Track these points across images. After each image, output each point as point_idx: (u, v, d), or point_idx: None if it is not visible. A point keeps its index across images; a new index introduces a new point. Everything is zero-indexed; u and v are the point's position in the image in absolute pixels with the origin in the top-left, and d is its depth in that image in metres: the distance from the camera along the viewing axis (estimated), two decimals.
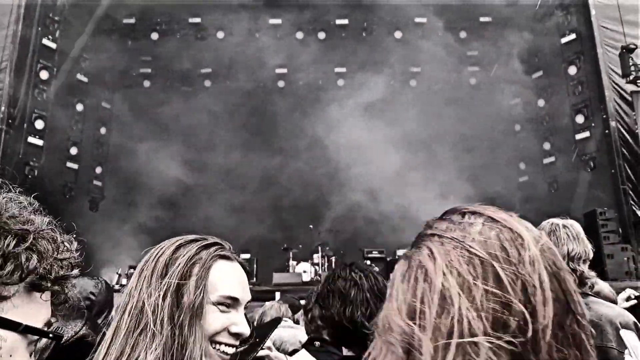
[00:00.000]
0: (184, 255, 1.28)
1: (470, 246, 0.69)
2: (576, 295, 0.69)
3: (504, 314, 0.63)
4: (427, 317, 0.66)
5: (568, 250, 2.32)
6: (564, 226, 2.42)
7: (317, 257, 11.56)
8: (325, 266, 11.40)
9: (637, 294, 2.98)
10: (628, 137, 10.63)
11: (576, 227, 2.45)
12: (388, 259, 11.19)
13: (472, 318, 0.63)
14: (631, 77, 10.46)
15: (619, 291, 6.97)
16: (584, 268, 2.30)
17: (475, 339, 0.62)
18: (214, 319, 1.26)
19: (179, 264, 1.26)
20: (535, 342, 0.62)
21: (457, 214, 0.77)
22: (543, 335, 0.62)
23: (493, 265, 0.66)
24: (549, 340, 0.62)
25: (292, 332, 3.70)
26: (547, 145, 12.94)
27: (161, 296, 1.21)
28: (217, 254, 1.32)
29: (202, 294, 1.24)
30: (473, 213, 0.76)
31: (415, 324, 0.67)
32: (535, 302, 0.63)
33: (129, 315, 1.21)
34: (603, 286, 3.39)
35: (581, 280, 2.31)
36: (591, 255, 2.37)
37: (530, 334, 0.62)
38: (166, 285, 1.23)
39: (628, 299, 3.39)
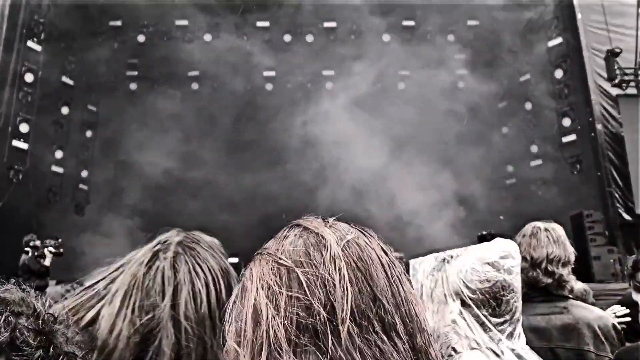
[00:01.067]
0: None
1: (279, 258, 0.72)
2: (391, 284, 0.71)
3: (304, 316, 0.65)
4: (245, 335, 0.68)
5: (547, 253, 2.31)
6: (546, 229, 2.42)
7: None
8: None
9: (621, 312, 2.94)
10: (614, 140, 10.73)
11: (558, 230, 2.44)
12: None
13: (276, 326, 0.65)
14: (617, 81, 10.58)
15: (607, 292, 6.97)
16: (563, 271, 2.29)
17: (278, 346, 0.64)
18: None
19: None
20: (337, 335, 0.64)
21: (282, 230, 0.80)
22: (343, 327, 0.64)
23: (295, 271, 0.69)
24: (350, 331, 0.64)
25: None
26: (534, 148, 13.01)
27: None
28: None
29: None
30: (291, 227, 0.80)
31: (240, 345, 0.69)
32: (334, 298, 0.66)
33: None
34: (574, 285, 3.36)
35: (559, 283, 2.29)
36: (572, 259, 2.36)
37: (330, 328, 0.64)
38: None
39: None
